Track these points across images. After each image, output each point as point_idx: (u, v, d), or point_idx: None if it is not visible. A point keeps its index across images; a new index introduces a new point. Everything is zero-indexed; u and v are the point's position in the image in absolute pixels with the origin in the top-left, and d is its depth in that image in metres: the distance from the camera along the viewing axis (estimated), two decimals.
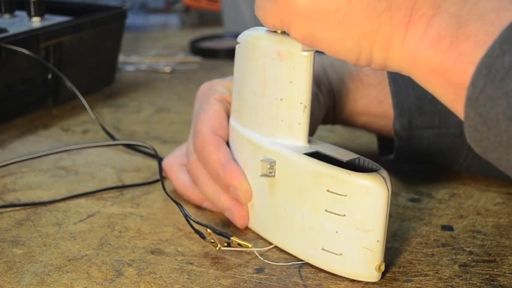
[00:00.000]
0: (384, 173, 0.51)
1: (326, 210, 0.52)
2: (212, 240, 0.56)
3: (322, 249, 0.53)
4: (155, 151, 0.70)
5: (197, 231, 0.57)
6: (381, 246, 0.52)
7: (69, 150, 0.76)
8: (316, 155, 0.54)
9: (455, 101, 0.43)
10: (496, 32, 0.40)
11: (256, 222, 0.59)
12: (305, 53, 0.52)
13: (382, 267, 0.52)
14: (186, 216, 0.58)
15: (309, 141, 0.55)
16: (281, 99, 0.54)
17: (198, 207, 0.65)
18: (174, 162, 0.66)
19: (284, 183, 0.55)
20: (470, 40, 0.41)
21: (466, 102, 0.41)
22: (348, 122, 0.71)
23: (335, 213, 0.52)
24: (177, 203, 0.59)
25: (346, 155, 0.54)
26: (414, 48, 0.44)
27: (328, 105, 0.67)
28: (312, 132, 0.64)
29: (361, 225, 0.51)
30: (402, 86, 0.66)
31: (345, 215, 0.51)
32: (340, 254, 0.53)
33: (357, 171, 0.51)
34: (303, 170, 0.53)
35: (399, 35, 0.45)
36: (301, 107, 0.54)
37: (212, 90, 0.64)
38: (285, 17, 0.48)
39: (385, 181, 0.51)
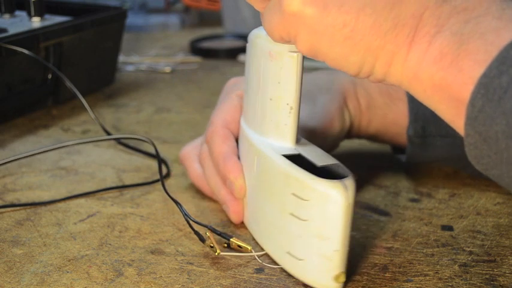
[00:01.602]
0: (349, 182, 0.50)
1: (291, 214, 0.52)
2: (211, 245, 0.56)
3: (288, 252, 0.53)
4: (154, 144, 0.70)
5: (197, 233, 0.57)
6: (339, 256, 0.50)
7: (66, 146, 0.76)
8: (296, 157, 0.54)
9: (455, 115, 0.44)
10: (494, 51, 0.41)
11: (248, 221, 0.60)
12: (293, 54, 0.52)
13: (342, 278, 0.51)
14: (185, 216, 0.58)
15: (299, 143, 0.55)
16: (270, 99, 0.55)
17: (199, 207, 0.65)
18: (190, 152, 0.67)
19: (263, 183, 0.55)
20: (470, 58, 0.42)
21: (466, 121, 0.42)
22: (376, 137, 0.71)
23: (298, 218, 0.51)
24: (176, 203, 0.59)
25: (324, 160, 0.53)
26: (416, 65, 0.45)
27: (353, 121, 0.68)
28: (333, 147, 0.66)
29: (320, 233, 0.50)
30: None
31: (306, 220, 0.51)
32: (302, 260, 0.52)
33: (326, 177, 0.50)
34: (277, 171, 0.53)
35: (402, 53, 0.45)
36: (288, 108, 0.54)
37: (237, 86, 0.66)
38: (292, 29, 0.48)
39: (346, 190, 0.49)
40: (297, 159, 0.53)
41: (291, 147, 0.55)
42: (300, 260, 0.52)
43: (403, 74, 0.46)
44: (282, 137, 0.55)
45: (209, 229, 0.57)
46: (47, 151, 0.74)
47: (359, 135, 0.71)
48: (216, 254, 0.56)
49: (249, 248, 0.56)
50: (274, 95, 0.54)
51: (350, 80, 0.68)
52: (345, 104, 0.67)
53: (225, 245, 0.57)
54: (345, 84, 0.68)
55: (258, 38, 0.55)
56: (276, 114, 0.55)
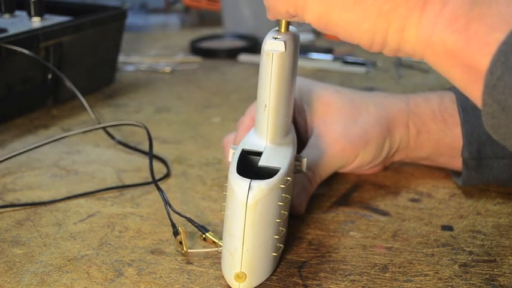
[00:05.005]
0: (260, 184, 0.50)
1: (223, 204, 0.53)
2: (180, 241, 0.56)
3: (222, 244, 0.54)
4: (146, 128, 0.72)
5: (173, 225, 0.58)
6: (239, 255, 0.51)
7: (56, 140, 0.76)
8: (256, 154, 0.55)
9: (467, 81, 0.43)
10: (508, 16, 0.40)
11: None
12: (269, 52, 0.53)
13: (242, 280, 0.52)
14: (166, 204, 0.59)
15: (278, 142, 0.55)
16: (257, 97, 0.55)
17: (198, 207, 0.65)
18: (229, 137, 0.69)
19: None
20: (483, 22, 0.41)
21: (484, 89, 0.41)
22: (428, 160, 0.71)
23: (222, 210, 0.53)
24: (159, 189, 0.61)
25: (272, 162, 0.54)
26: (429, 28, 0.44)
27: (398, 148, 0.69)
28: (373, 168, 0.69)
29: (227, 227, 0.52)
30: (472, 115, 0.65)
31: (224, 212, 0.52)
32: (221, 252, 0.53)
33: (255, 178, 0.51)
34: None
35: (415, 16, 0.45)
36: (263, 105, 0.55)
37: None
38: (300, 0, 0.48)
39: (250, 190, 0.50)
40: (256, 156, 0.54)
41: (262, 144, 0.55)
42: (220, 251, 0.54)
43: (417, 39, 0.45)
44: (261, 134, 0.56)
45: (188, 220, 0.58)
46: (43, 144, 0.73)
47: (408, 159, 0.71)
48: (183, 251, 0.56)
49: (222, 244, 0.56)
50: (257, 93, 0.55)
51: (403, 109, 0.68)
52: (388, 132, 0.67)
53: (202, 238, 0.57)
54: (395, 112, 0.68)
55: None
56: (258, 112, 0.56)
